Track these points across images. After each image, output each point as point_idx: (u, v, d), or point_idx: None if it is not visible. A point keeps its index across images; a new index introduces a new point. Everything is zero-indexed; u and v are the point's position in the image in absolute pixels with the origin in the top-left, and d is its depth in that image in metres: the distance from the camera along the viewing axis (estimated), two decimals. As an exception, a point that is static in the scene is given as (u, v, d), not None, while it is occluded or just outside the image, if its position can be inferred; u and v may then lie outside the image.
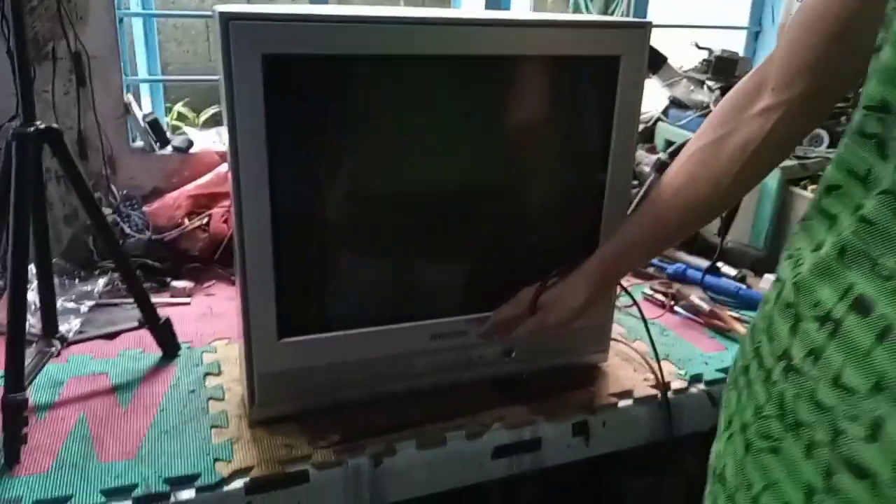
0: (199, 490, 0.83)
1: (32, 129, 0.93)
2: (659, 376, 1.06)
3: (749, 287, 1.38)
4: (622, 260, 0.89)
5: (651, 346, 1.10)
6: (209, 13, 0.83)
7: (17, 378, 0.87)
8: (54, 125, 0.96)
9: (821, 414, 0.45)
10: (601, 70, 0.94)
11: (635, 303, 1.11)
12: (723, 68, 1.79)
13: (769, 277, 1.41)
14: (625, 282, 1.38)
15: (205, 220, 1.37)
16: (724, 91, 1.72)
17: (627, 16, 1.95)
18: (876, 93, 0.45)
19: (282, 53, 0.79)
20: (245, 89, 0.78)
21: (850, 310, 0.44)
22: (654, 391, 1.06)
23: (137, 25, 1.55)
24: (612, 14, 2.66)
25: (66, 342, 1.04)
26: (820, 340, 0.46)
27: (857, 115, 0.48)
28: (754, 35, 2.02)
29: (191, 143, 1.48)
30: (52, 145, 0.96)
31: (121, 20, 1.41)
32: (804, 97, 0.70)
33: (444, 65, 0.90)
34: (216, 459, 0.87)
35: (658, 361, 1.08)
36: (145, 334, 1.08)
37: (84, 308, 1.19)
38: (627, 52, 0.94)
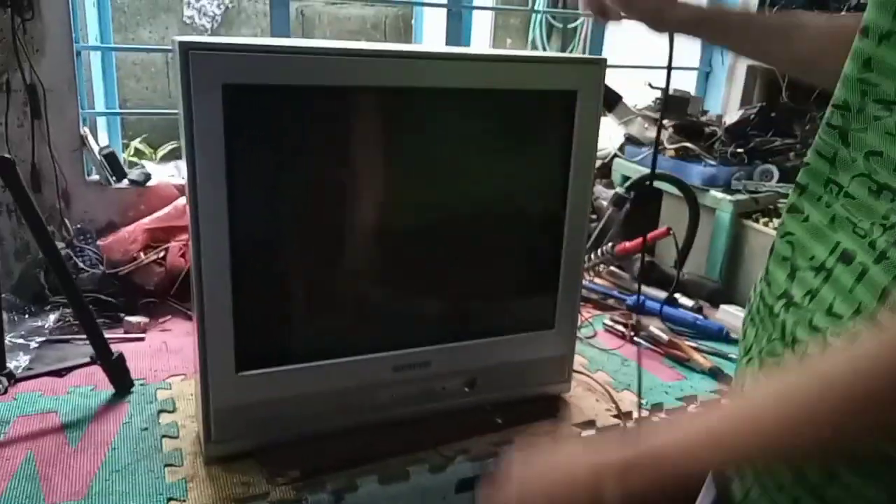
0: (151, 532, 0.79)
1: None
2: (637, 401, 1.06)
3: (706, 317, 1.39)
4: None
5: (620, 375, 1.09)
6: (168, 47, 0.82)
7: (-41, 417, 0.83)
8: (6, 155, 0.93)
9: (814, 334, 0.59)
10: (559, 105, 0.96)
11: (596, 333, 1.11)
12: (675, 107, 1.84)
13: (726, 308, 1.43)
14: (584, 313, 1.39)
15: (161, 255, 1.33)
16: (676, 128, 1.76)
17: (584, 54, 2.00)
18: (840, 95, 0.60)
19: (241, 84, 0.78)
20: (204, 119, 0.77)
21: (838, 261, 0.59)
22: (616, 420, 1.05)
23: (96, 59, 1.53)
24: (569, 52, 2.73)
25: (13, 379, 0.99)
26: (816, 284, 0.60)
27: (827, 112, 0.62)
28: (705, 75, 2.08)
29: (148, 177, 1.45)
30: (4, 176, 0.93)
31: (79, 53, 1.38)
32: None
33: (404, 97, 0.90)
34: (170, 499, 0.83)
35: (640, 391, 1.07)
36: (97, 371, 1.04)
37: (34, 344, 1.14)
38: (584, 88, 0.95)
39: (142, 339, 1.21)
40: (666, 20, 0.91)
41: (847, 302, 0.57)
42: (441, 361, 0.98)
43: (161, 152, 2.58)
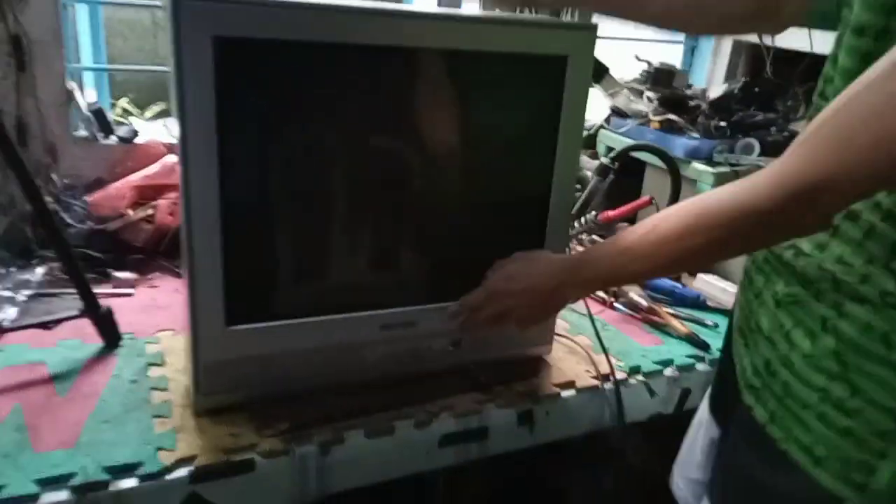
0: (140, 479, 0.81)
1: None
2: (609, 366, 1.09)
3: (684, 286, 1.42)
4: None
5: (597, 339, 1.12)
6: (157, 2, 0.81)
7: (-52, 364, 0.83)
8: (-7, 106, 0.92)
9: (825, 274, 0.68)
10: (549, 70, 0.96)
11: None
12: (661, 79, 1.85)
13: (703, 277, 1.45)
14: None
15: (150, 212, 1.33)
16: (661, 101, 1.77)
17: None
18: (840, 86, 0.65)
19: (233, 36, 0.77)
20: (195, 72, 0.77)
21: (844, 218, 0.66)
22: (595, 382, 1.08)
23: (82, 13, 1.50)
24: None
25: (1, 330, 0.99)
26: (824, 239, 0.68)
27: (819, 83, 0.72)
28: (690, 49, 2.09)
29: (136, 134, 1.43)
30: (-10, 126, 0.92)
31: (65, 6, 1.36)
32: None
33: (395, 56, 0.89)
34: (159, 448, 0.84)
35: (606, 353, 1.11)
36: (85, 324, 1.04)
37: (21, 297, 1.13)
38: (575, 54, 0.96)
39: (130, 295, 1.21)
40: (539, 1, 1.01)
41: (858, 253, 0.66)
42: (427, 322, 0.99)
43: (148, 113, 2.55)
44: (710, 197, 0.67)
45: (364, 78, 0.90)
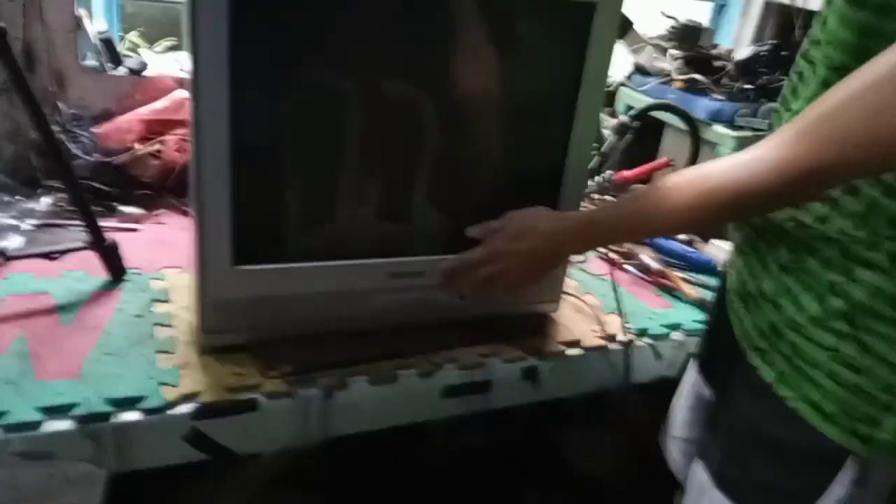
0: (143, 413, 0.81)
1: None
2: (620, 327, 1.08)
3: (696, 250, 1.40)
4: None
5: (616, 299, 1.12)
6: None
7: (-48, 289, 0.83)
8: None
9: (830, 244, 0.70)
10: (575, 18, 0.93)
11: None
12: (687, 37, 1.80)
13: (716, 243, 1.43)
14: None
15: (158, 147, 1.31)
16: (686, 60, 1.73)
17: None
18: (836, 56, 0.67)
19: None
20: (209, 5, 0.74)
21: (844, 193, 0.68)
22: (602, 342, 1.07)
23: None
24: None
25: (5, 258, 0.98)
26: (825, 211, 0.69)
27: (804, 43, 0.75)
28: (719, 8, 2.03)
29: (145, 66, 1.40)
30: (-4, 50, 0.90)
31: (76, -72, 1.31)
32: None
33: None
34: (161, 384, 0.84)
35: (621, 314, 1.10)
36: (90, 256, 1.03)
37: (26, 226, 1.12)
38: (603, 1, 0.92)
39: (136, 231, 1.20)
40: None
41: (860, 226, 0.68)
42: (435, 272, 0.98)
43: (158, 48, 2.50)
44: (714, 174, 0.71)
45: (383, 18, 0.87)
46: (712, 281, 1.30)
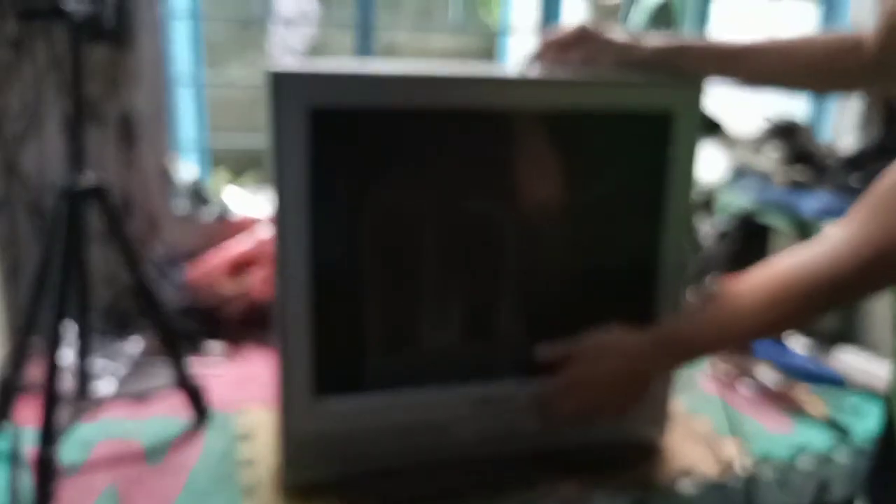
0: (227, 558, 0.83)
1: (81, 187, 0.99)
2: (735, 454, 1.03)
3: (820, 364, 1.33)
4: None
5: (730, 420, 1.09)
6: (257, 85, 0.88)
7: (50, 435, 0.90)
8: (102, 185, 1.02)
9: None
10: (654, 128, 0.96)
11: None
12: (784, 133, 1.80)
13: (841, 355, 1.36)
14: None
15: (243, 288, 1.40)
16: (786, 157, 1.72)
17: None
18: None
19: (327, 106, 0.83)
20: (291, 143, 0.83)
21: None
22: (717, 470, 1.02)
23: (186, 93, 1.65)
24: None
25: (99, 402, 1.06)
26: None
27: None
28: (815, 99, 2.03)
29: (229, 210, 1.54)
30: (100, 203, 1.02)
31: (172, 86, 1.49)
32: None
33: (489, 120, 0.92)
34: (246, 528, 0.87)
35: (737, 439, 1.06)
36: (179, 397, 1.10)
37: (119, 368, 1.22)
38: (681, 110, 0.96)
39: (222, 368, 1.28)
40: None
41: None
42: (522, 399, 0.98)
43: (243, 182, 2.74)
44: (792, 268, 0.71)
45: (460, 143, 0.93)
46: (840, 397, 1.23)
